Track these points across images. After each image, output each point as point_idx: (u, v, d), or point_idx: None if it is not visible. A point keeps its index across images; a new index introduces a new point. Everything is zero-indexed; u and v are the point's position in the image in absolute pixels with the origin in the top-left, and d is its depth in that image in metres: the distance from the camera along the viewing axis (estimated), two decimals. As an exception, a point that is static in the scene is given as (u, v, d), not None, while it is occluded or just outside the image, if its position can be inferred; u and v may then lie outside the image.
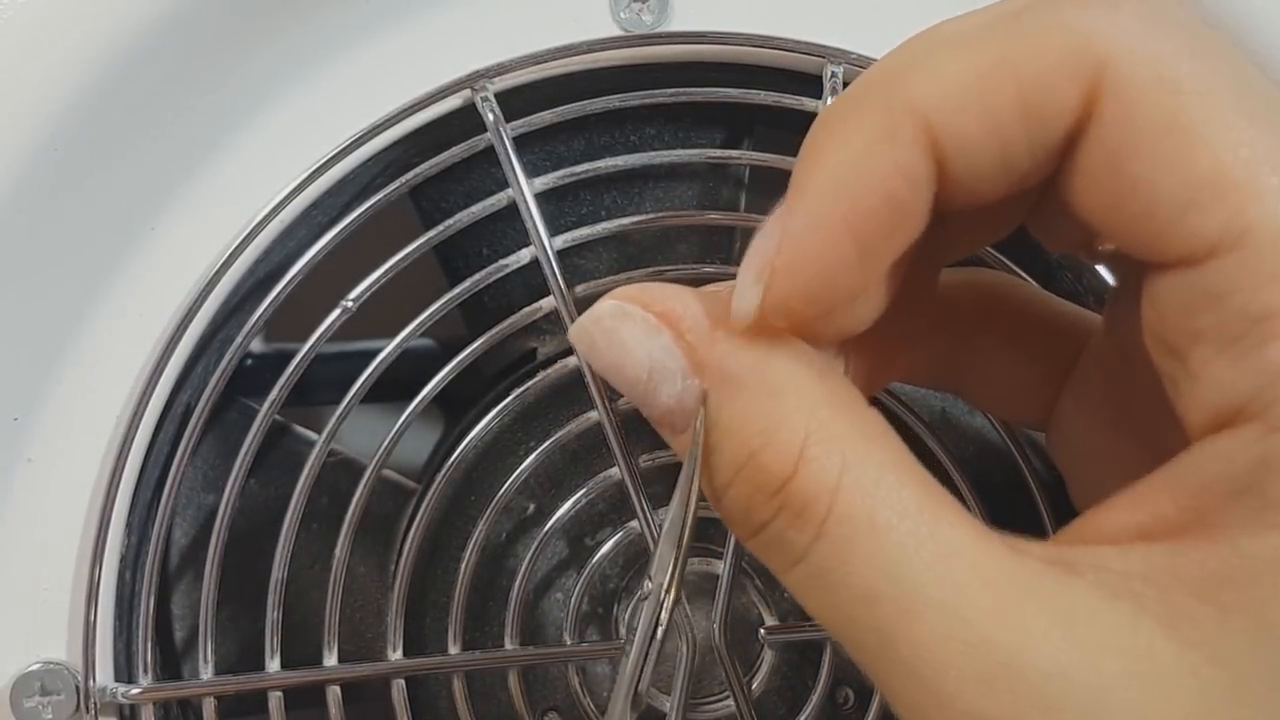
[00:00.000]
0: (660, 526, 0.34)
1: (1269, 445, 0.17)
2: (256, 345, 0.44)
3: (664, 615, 0.21)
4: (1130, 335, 0.22)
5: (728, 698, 0.36)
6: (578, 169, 0.36)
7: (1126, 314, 0.22)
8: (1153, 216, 0.18)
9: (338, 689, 0.35)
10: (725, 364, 0.21)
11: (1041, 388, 0.27)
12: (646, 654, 0.22)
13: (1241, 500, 0.18)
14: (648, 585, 0.21)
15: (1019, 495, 0.35)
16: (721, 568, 0.35)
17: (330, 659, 0.35)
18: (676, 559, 0.21)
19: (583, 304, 0.35)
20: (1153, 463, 0.20)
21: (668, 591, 0.21)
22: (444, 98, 0.35)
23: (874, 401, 0.22)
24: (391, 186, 0.35)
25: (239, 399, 0.37)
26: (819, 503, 0.20)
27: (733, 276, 0.38)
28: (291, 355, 0.34)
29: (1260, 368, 0.17)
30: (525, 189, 0.35)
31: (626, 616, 0.37)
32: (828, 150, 0.20)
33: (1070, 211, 0.20)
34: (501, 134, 0.34)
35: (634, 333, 0.22)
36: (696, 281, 0.40)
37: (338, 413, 0.34)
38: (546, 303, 0.35)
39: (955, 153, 0.19)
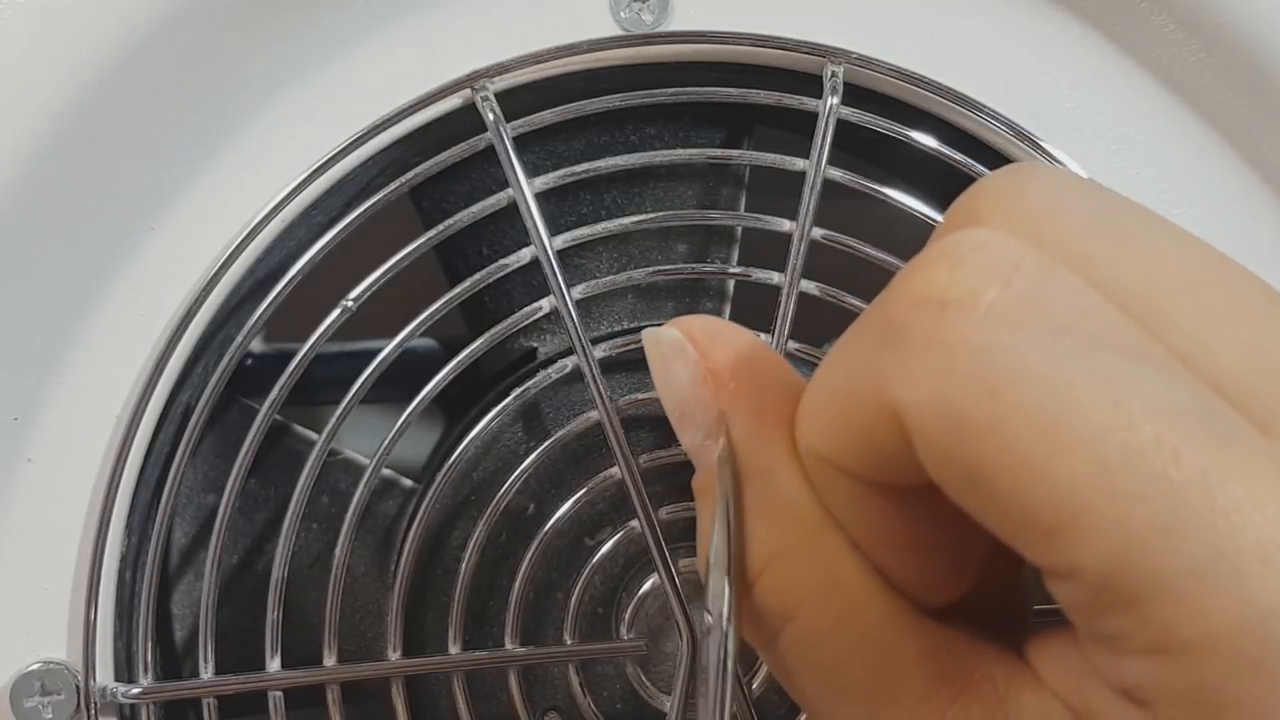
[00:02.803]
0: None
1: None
2: (256, 345, 0.44)
3: (730, 646, 0.21)
4: None
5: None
6: (578, 169, 0.36)
7: None
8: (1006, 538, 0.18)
9: (338, 689, 0.35)
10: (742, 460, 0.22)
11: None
12: (723, 687, 0.22)
13: None
14: (708, 619, 0.21)
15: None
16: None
17: (330, 659, 0.35)
18: (730, 589, 0.21)
19: (583, 304, 0.35)
20: None
21: (729, 621, 0.21)
22: (444, 98, 0.35)
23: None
24: (391, 186, 0.35)
25: (239, 399, 0.37)
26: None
27: (732, 277, 0.38)
28: (291, 355, 0.34)
29: (1129, 678, 0.17)
30: (525, 189, 0.35)
31: (627, 616, 0.36)
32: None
33: None
34: (501, 134, 0.34)
35: (682, 373, 0.22)
36: (696, 281, 0.40)
37: (338, 413, 0.34)
38: (546, 302, 0.35)
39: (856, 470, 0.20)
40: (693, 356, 0.22)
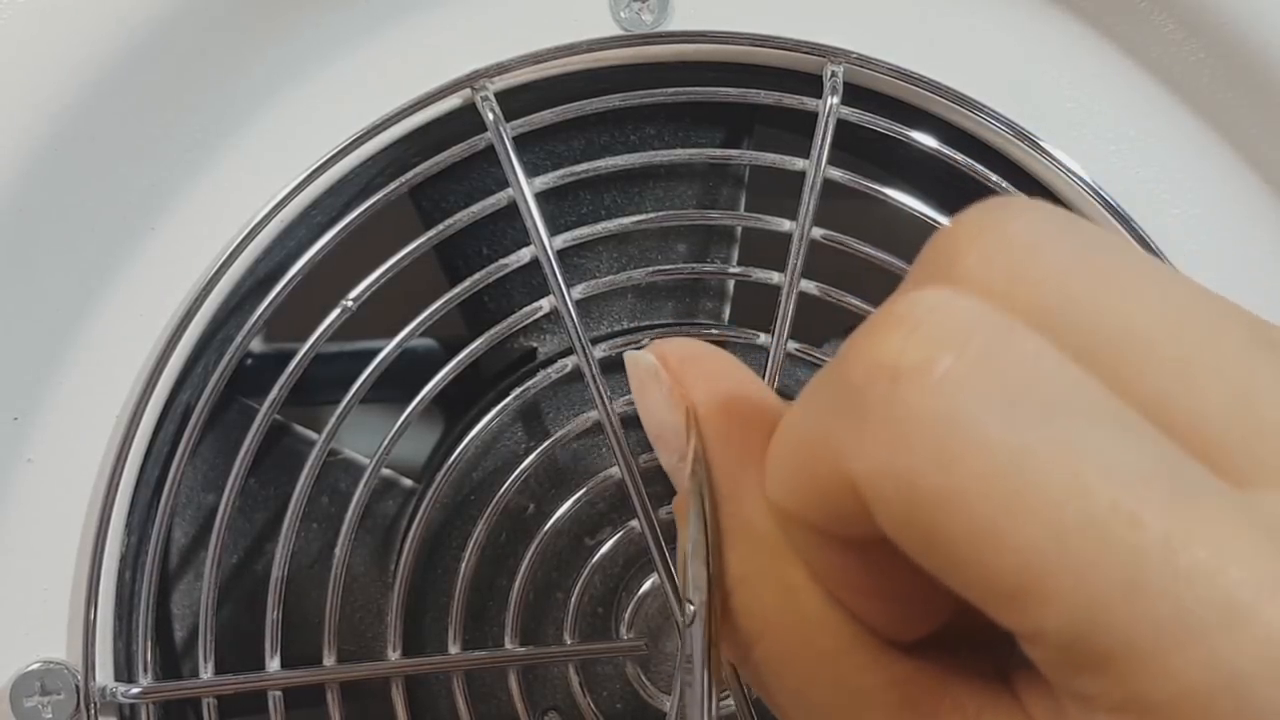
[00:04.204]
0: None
1: None
2: (256, 345, 0.44)
3: (715, 633, 0.21)
4: None
5: (728, 697, 0.36)
6: (578, 169, 0.36)
7: None
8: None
9: (337, 689, 0.35)
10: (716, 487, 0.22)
11: None
12: (709, 676, 0.22)
13: None
14: (690, 609, 0.21)
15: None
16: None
17: (330, 659, 0.35)
18: (709, 581, 0.21)
19: (583, 304, 0.35)
20: None
21: (709, 609, 0.21)
22: (444, 97, 0.35)
23: None
24: (391, 186, 0.35)
25: (239, 399, 0.37)
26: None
27: (732, 277, 0.39)
28: (291, 355, 0.34)
29: None
30: (525, 189, 0.35)
31: (627, 616, 0.36)
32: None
33: None
34: (501, 133, 0.34)
35: (656, 397, 0.22)
36: (696, 281, 0.40)
37: (338, 413, 0.34)
38: (546, 302, 0.35)
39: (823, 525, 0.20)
40: (666, 382, 0.22)
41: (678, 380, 0.22)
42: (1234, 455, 0.17)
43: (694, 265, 0.38)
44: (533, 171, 0.35)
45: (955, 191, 0.37)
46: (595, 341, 0.36)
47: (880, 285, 0.38)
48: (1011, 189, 0.36)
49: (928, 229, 0.36)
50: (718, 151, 0.37)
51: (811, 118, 0.35)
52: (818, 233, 0.35)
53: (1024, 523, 0.16)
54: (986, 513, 0.16)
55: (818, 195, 0.35)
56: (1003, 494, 0.16)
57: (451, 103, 0.35)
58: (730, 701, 0.35)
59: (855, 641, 0.20)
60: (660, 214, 0.37)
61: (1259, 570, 0.16)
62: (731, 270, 0.38)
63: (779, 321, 0.35)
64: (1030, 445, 0.16)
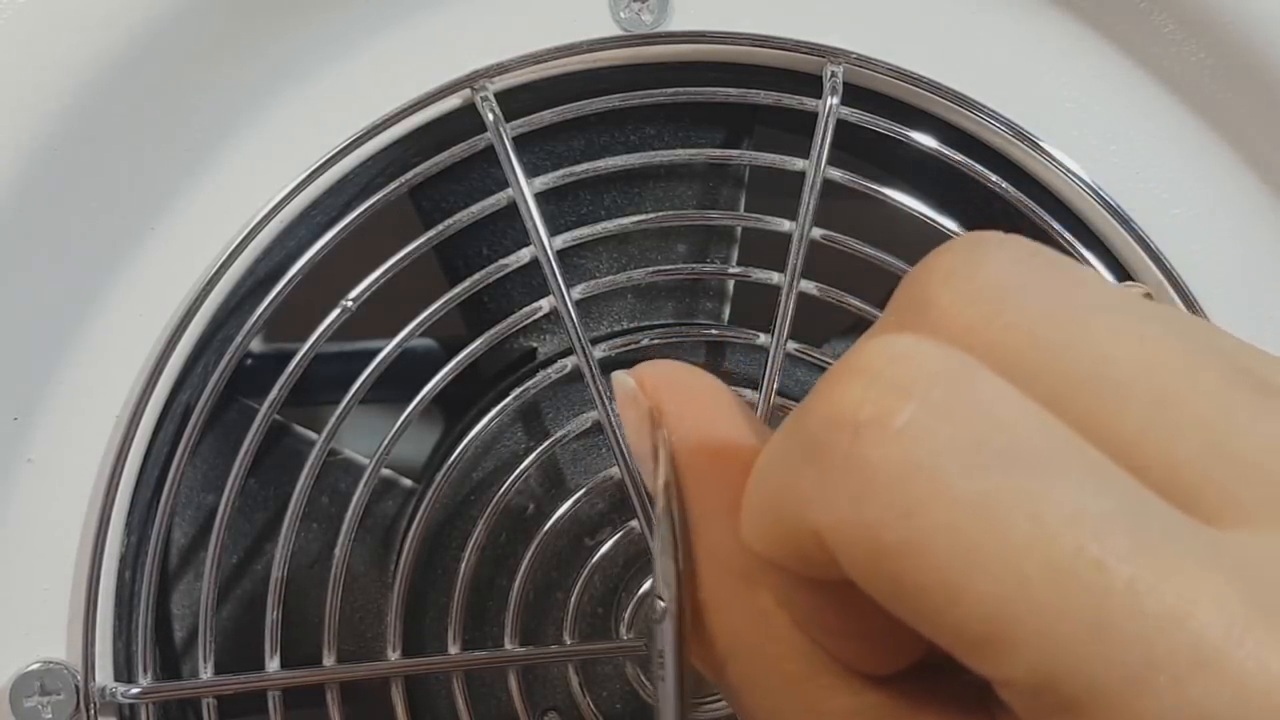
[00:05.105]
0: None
1: None
2: (256, 345, 0.44)
3: (685, 629, 0.22)
4: None
5: (720, 700, 0.36)
6: (578, 169, 0.36)
7: None
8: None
9: (337, 689, 0.35)
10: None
11: None
12: (680, 671, 0.22)
13: None
14: (660, 606, 0.21)
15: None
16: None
17: (330, 659, 0.35)
18: (678, 574, 0.21)
19: (582, 304, 0.35)
20: None
21: (679, 604, 0.21)
22: (444, 98, 0.35)
23: None
24: (391, 186, 0.35)
25: (239, 399, 0.37)
26: None
27: (732, 277, 0.38)
28: (291, 355, 0.34)
29: None
30: (525, 189, 0.35)
31: (627, 616, 0.36)
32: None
33: None
34: (501, 134, 0.34)
35: (633, 420, 0.23)
36: (696, 281, 0.40)
37: (338, 413, 0.34)
38: (546, 302, 0.35)
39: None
40: (643, 406, 0.23)
41: (655, 405, 0.23)
42: (1209, 495, 0.17)
43: (694, 265, 0.38)
44: (533, 171, 0.35)
45: (955, 191, 0.37)
46: (595, 342, 0.36)
47: (880, 285, 0.38)
48: (1011, 189, 0.36)
49: (927, 229, 0.36)
50: (718, 151, 0.37)
51: (811, 118, 0.35)
52: (817, 233, 0.35)
53: (988, 572, 0.16)
54: (950, 563, 0.16)
55: (817, 195, 0.35)
56: (966, 544, 0.16)
57: (451, 103, 0.35)
58: (724, 702, 0.35)
59: (825, 667, 0.20)
60: (660, 214, 0.37)
61: (1227, 613, 0.16)
62: (731, 270, 0.38)
63: (779, 321, 0.35)
64: (993, 494, 0.16)
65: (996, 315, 0.19)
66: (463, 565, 0.35)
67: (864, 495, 0.17)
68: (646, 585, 0.36)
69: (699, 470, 0.22)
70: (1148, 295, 0.20)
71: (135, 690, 0.34)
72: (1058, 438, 0.17)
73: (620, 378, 0.23)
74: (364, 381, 0.34)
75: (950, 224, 0.36)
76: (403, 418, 0.35)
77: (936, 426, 0.17)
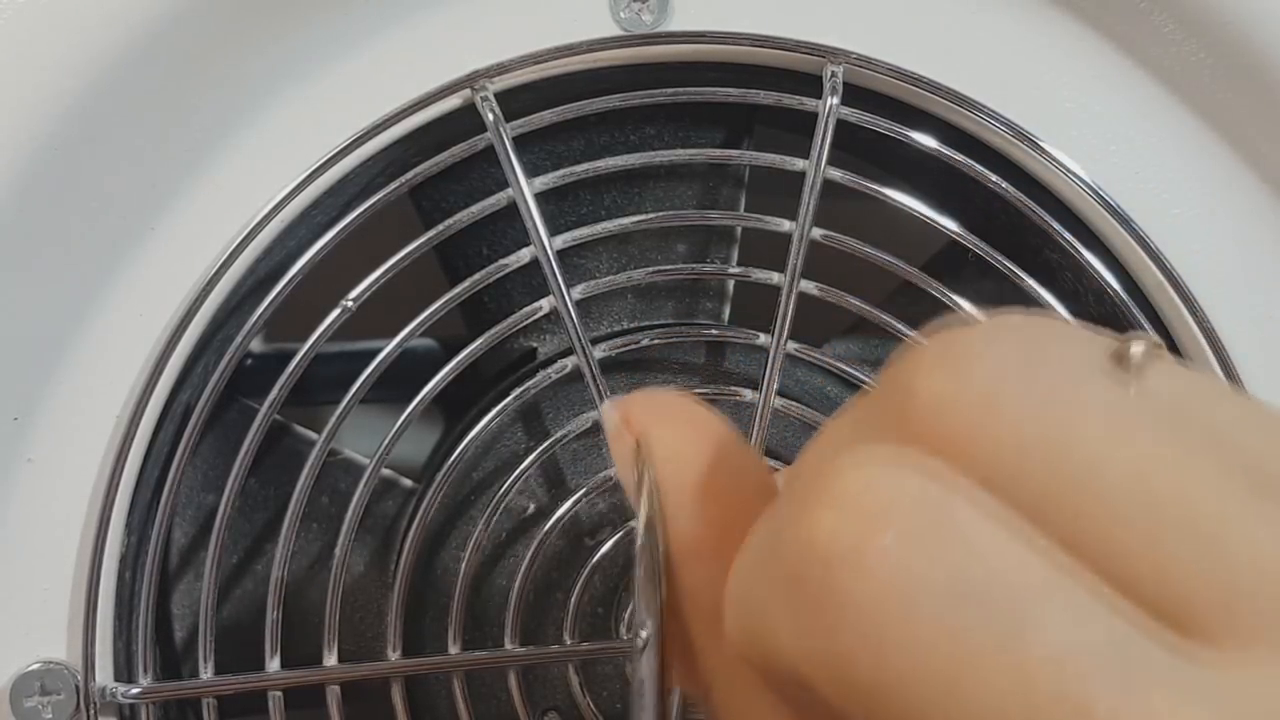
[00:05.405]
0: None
1: None
2: (256, 345, 0.44)
3: (665, 660, 0.22)
4: None
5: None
6: (578, 169, 0.36)
7: None
8: None
9: (338, 689, 0.35)
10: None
11: None
12: (662, 700, 0.22)
13: None
14: (642, 636, 0.21)
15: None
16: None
17: (330, 659, 0.35)
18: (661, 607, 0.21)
19: (582, 304, 0.35)
20: None
21: (659, 635, 0.21)
22: (444, 98, 0.35)
23: None
24: (391, 186, 0.35)
25: (239, 399, 0.37)
26: None
27: (731, 277, 0.38)
28: (291, 355, 0.34)
29: None
30: (525, 189, 0.35)
31: (627, 616, 0.36)
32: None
33: None
34: (501, 134, 0.34)
35: (619, 452, 0.23)
36: (696, 281, 0.40)
37: (338, 413, 0.34)
38: (546, 302, 0.35)
39: None
40: (627, 440, 0.23)
41: (640, 439, 0.23)
42: (1204, 615, 0.17)
43: (694, 265, 0.38)
44: (533, 171, 0.35)
45: (955, 192, 0.37)
46: (595, 342, 0.36)
47: (880, 285, 0.38)
48: (1011, 189, 0.36)
49: (927, 229, 0.36)
50: (718, 151, 0.37)
51: (811, 118, 0.35)
52: (817, 233, 0.35)
53: (963, 715, 0.16)
54: (924, 708, 0.16)
55: (817, 195, 0.35)
56: (941, 688, 0.16)
57: (451, 103, 0.35)
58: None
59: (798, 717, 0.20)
60: (660, 214, 0.37)
61: None
62: (731, 270, 0.38)
63: (779, 321, 0.35)
64: (968, 635, 0.16)
65: (978, 427, 0.18)
66: (463, 565, 0.35)
67: (837, 629, 0.17)
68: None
69: (682, 511, 0.22)
70: (1158, 346, 0.19)
71: (135, 690, 0.34)
72: (1039, 570, 0.17)
73: (607, 410, 0.23)
74: (364, 381, 0.34)
75: (950, 224, 0.36)
76: (403, 418, 0.35)
77: (911, 559, 0.16)
